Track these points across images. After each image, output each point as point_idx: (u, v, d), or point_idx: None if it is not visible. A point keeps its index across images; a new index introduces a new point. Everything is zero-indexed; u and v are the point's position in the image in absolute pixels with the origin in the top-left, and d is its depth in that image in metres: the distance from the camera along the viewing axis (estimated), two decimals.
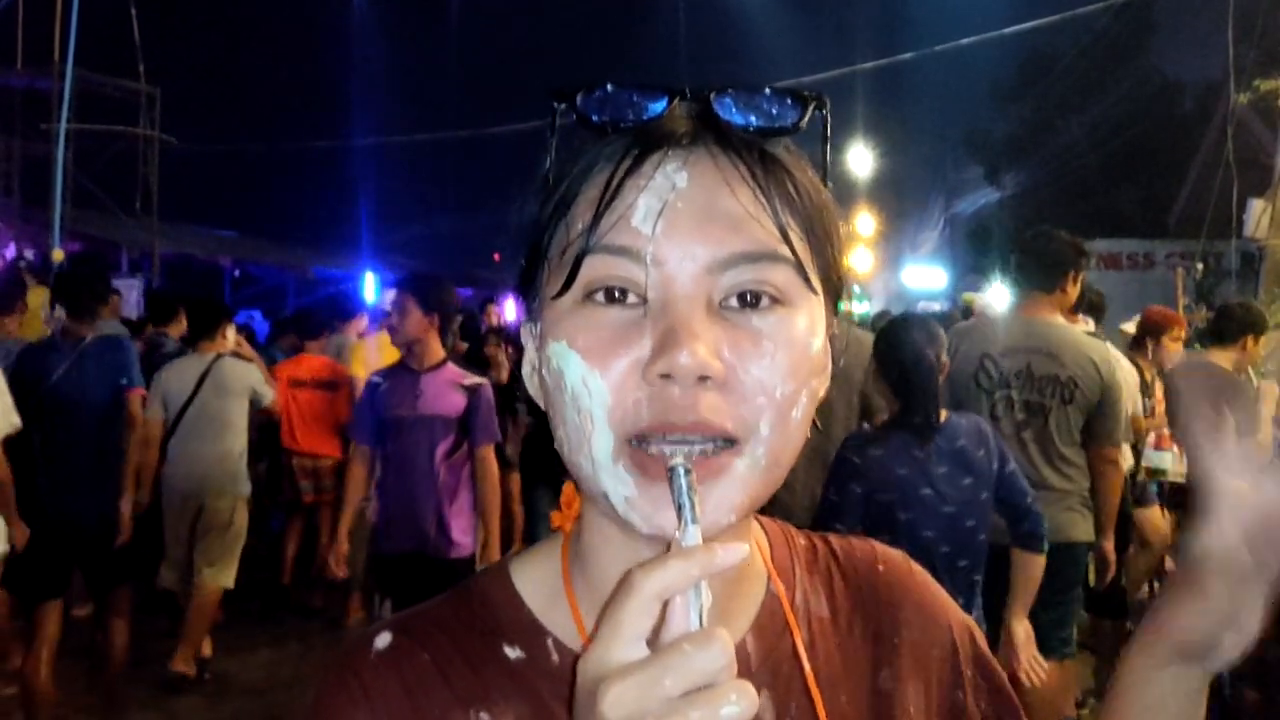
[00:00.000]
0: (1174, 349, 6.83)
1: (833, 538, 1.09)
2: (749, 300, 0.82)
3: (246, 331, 9.52)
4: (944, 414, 3.74)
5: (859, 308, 29.87)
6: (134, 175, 19.49)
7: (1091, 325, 6.69)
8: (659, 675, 0.63)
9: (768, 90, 0.86)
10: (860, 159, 38.60)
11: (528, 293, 0.92)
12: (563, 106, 0.87)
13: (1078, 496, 4.70)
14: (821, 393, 0.90)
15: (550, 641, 0.92)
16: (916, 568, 1.10)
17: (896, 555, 1.10)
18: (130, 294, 13.61)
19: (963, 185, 36.25)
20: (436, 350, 5.14)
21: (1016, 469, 3.86)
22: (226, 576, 6.54)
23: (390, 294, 5.09)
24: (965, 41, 16.93)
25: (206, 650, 6.64)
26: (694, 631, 0.66)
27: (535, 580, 0.96)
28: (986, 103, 33.98)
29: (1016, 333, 4.76)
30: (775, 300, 0.83)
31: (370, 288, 18.39)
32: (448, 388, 5.09)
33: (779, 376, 0.82)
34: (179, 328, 7.91)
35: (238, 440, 6.61)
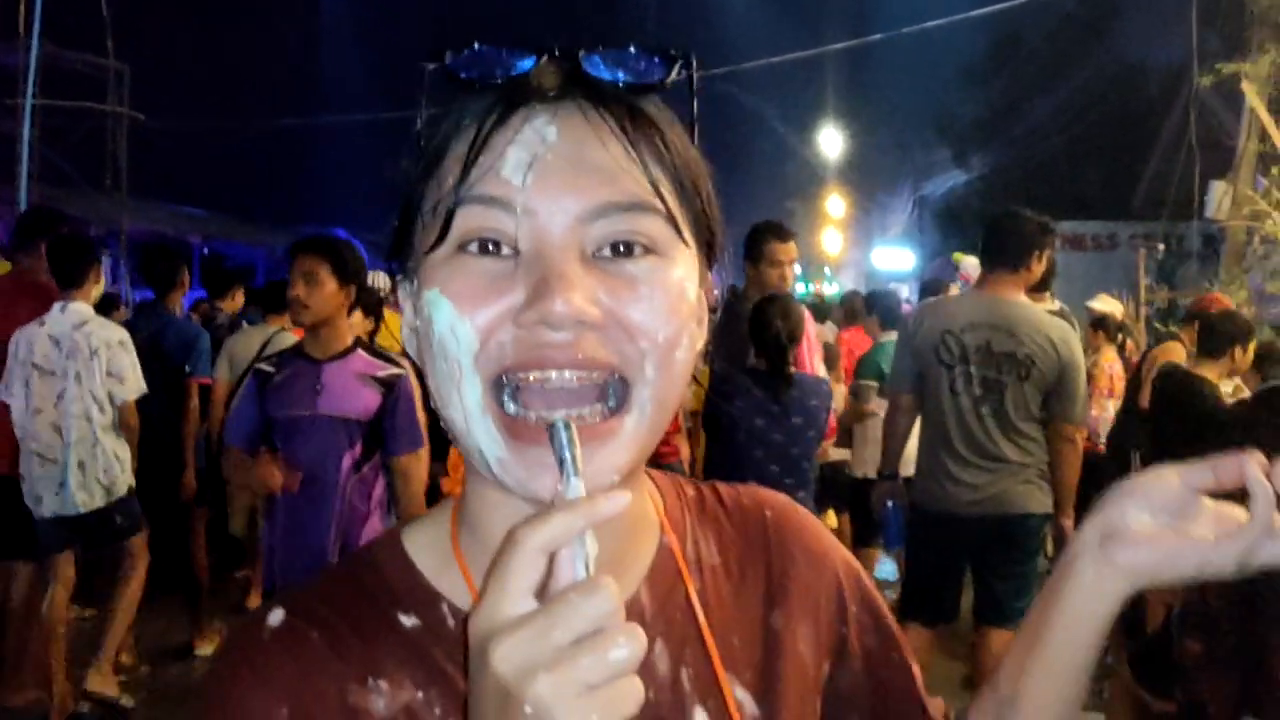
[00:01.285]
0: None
1: (721, 486, 1.11)
2: (621, 250, 0.83)
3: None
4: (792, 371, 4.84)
5: (829, 289, 30.05)
6: (103, 152, 19.30)
7: (1057, 304, 6.80)
8: (547, 626, 0.64)
9: (634, 48, 0.86)
10: (830, 141, 38.73)
11: (403, 252, 0.91)
12: (433, 67, 0.86)
13: (1035, 470, 4.81)
14: (700, 343, 0.91)
15: (445, 607, 0.91)
16: (802, 511, 1.13)
17: (782, 500, 1.13)
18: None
19: (931, 167, 36.40)
20: (345, 333, 4.15)
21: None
22: None
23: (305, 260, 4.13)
24: (933, 24, 17.03)
25: None
26: (580, 581, 0.67)
27: (427, 546, 0.96)
28: (954, 85, 34.15)
29: (978, 310, 4.86)
30: (648, 250, 0.84)
31: None
32: (356, 381, 4.07)
33: (659, 319, 0.83)
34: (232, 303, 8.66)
35: None
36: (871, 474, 7.17)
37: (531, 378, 0.81)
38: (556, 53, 0.85)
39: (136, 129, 19.98)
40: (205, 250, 23.87)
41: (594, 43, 0.86)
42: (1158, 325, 11.57)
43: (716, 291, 0.99)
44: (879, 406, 7.32)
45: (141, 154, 20.54)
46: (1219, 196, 12.25)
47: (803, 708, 1.01)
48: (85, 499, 5.29)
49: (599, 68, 0.85)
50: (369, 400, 4.05)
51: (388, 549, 0.96)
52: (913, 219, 39.53)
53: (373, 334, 5.57)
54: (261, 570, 4.31)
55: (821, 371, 6.79)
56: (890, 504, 5.68)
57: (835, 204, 41.29)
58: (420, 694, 0.88)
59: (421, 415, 4.22)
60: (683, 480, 1.10)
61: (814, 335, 7.07)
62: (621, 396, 0.83)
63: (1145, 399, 6.82)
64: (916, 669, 1.11)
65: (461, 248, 0.83)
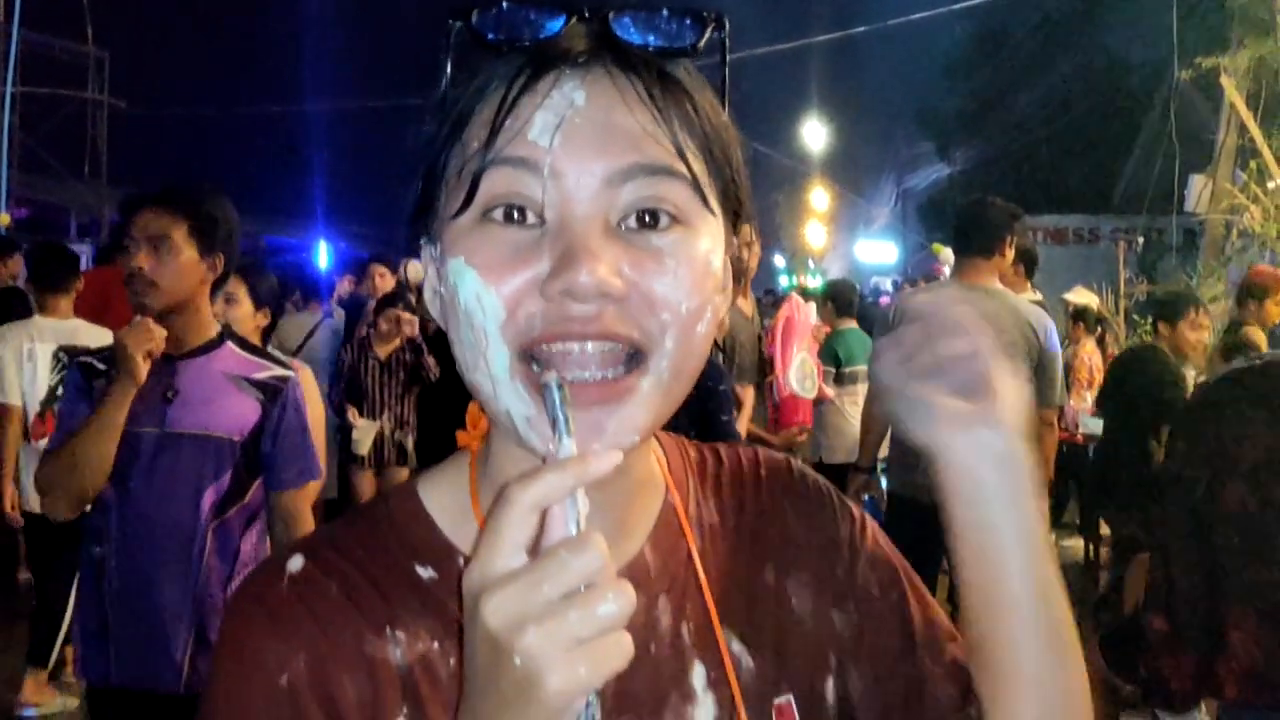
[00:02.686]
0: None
1: (722, 448, 1.12)
2: (648, 221, 0.83)
3: None
4: None
5: (812, 282, 30.14)
6: (82, 139, 19.20)
7: (1039, 295, 6.87)
8: (537, 580, 0.65)
9: (666, 10, 0.85)
10: (814, 134, 38.78)
11: (426, 215, 0.90)
12: (459, 24, 0.85)
13: None
14: (723, 311, 0.92)
15: (461, 560, 0.92)
16: (798, 467, 1.13)
17: (777, 459, 1.14)
18: (80, 259, 13.45)
19: (915, 161, 36.55)
20: (208, 320, 3.02)
21: (717, 408, 4.74)
22: None
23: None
24: (917, 17, 17.07)
25: None
26: (570, 537, 0.68)
27: (444, 499, 0.97)
28: (938, 79, 34.23)
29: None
30: (674, 219, 0.83)
31: (324, 257, 18.23)
32: (224, 386, 2.94)
33: (683, 292, 0.83)
34: None
35: None
36: (829, 459, 7.29)
37: (556, 349, 0.81)
38: (585, 14, 0.84)
39: (116, 116, 19.88)
40: None
41: (624, 4, 0.85)
42: (1137, 318, 11.63)
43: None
44: (835, 393, 7.42)
45: (122, 141, 20.45)
46: (1198, 190, 12.33)
47: (802, 660, 1.01)
48: None
49: (629, 31, 0.84)
50: (242, 412, 2.94)
51: (404, 501, 0.97)
52: (896, 212, 39.69)
53: (268, 332, 4.51)
54: (76, 649, 3.02)
55: (796, 368, 6.82)
56: (866, 496, 5.72)
57: (819, 197, 41.39)
58: (436, 644, 0.90)
59: (319, 431, 3.24)
60: (686, 442, 1.11)
61: (801, 322, 7.09)
62: (639, 363, 0.83)
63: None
64: (918, 606, 1.07)
65: (486, 214, 0.83)
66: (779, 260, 44.49)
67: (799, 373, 6.98)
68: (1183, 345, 6.19)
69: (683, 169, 0.83)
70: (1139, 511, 5.94)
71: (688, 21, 0.86)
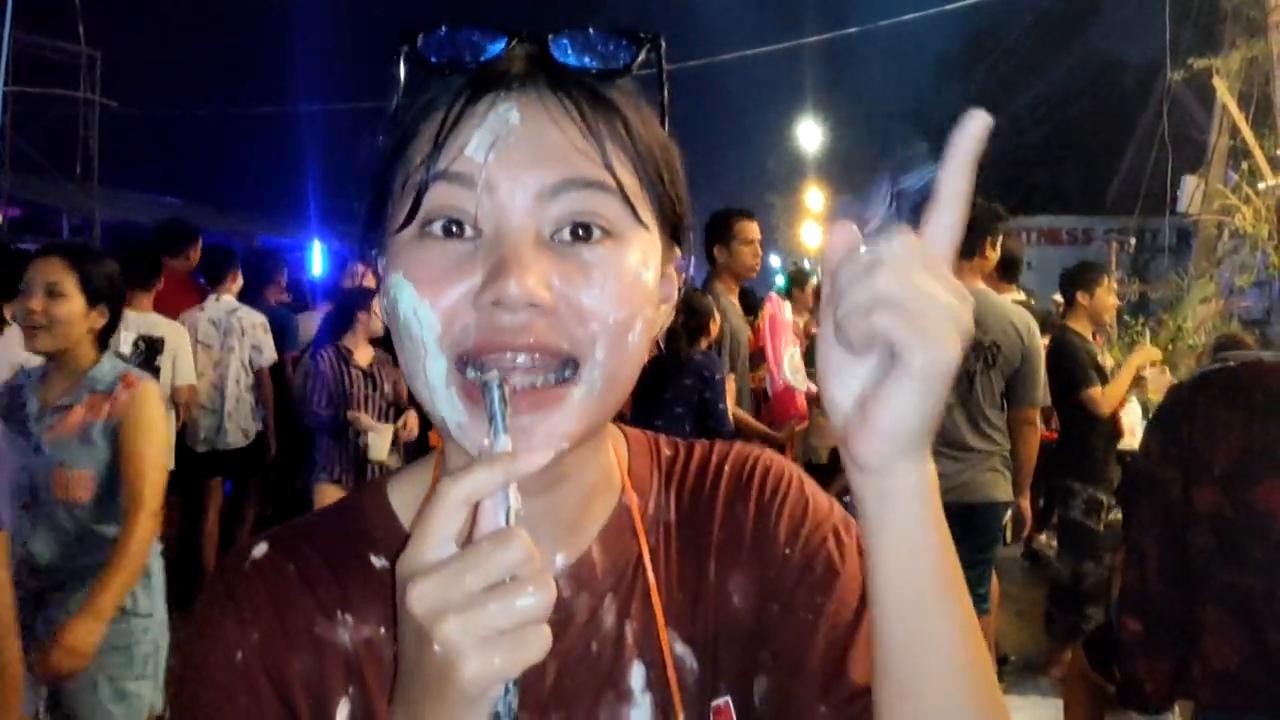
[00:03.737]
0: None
1: (699, 444, 1.12)
2: (580, 234, 0.85)
3: None
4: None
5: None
6: (74, 139, 19.13)
7: (1023, 295, 6.87)
8: (461, 571, 0.69)
9: (602, 32, 0.89)
10: (809, 134, 38.74)
11: (376, 226, 0.94)
12: (405, 48, 0.89)
13: (999, 457, 4.87)
14: (660, 323, 0.95)
15: None
16: (765, 464, 1.09)
17: (745, 454, 1.10)
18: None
19: (909, 161, 36.54)
20: None
21: (715, 396, 5.23)
22: None
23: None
24: (910, 17, 17.07)
25: None
26: (495, 531, 0.71)
27: (408, 495, 1.02)
28: (932, 80, 34.26)
29: None
30: (606, 233, 0.86)
31: (318, 258, 18.13)
32: None
33: (610, 304, 0.85)
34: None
35: None
36: (817, 461, 7.34)
37: (490, 359, 0.84)
38: (525, 36, 0.88)
39: (108, 116, 19.80)
40: None
41: (563, 26, 0.88)
42: (1129, 319, 11.62)
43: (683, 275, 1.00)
44: None
45: (114, 141, 20.37)
46: (1190, 191, 12.33)
47: (739, 659, 1.00)
48: (236, 439, 7.16)
49: (566, 53, 0.88)
50: None
51: (372, 495, 1.04)
52: (891, 212, 39.65)
53: (107, 334, 3.72)
54: None
55: (787, 362, 6.83)
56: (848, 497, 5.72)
57: (814, 197, 41.38)
58: (382, 629, 0.95)
59: (156, 458, 2.65)
60: (663, 440, 1.13)
61: (783, 320, 7.10)
62: (573, 372, 0.86)
63: None
64: (834, 631, 0.98)
65: (425, 229, 0.86)
66: (775, 260, 44.53)
67: (790, 365, 7.02)
68: (1101, 311, 6.42)
69: (612, 183, 0.86)
70: (1060, 488, 6.23)
71: (623, 43, 0.90)
